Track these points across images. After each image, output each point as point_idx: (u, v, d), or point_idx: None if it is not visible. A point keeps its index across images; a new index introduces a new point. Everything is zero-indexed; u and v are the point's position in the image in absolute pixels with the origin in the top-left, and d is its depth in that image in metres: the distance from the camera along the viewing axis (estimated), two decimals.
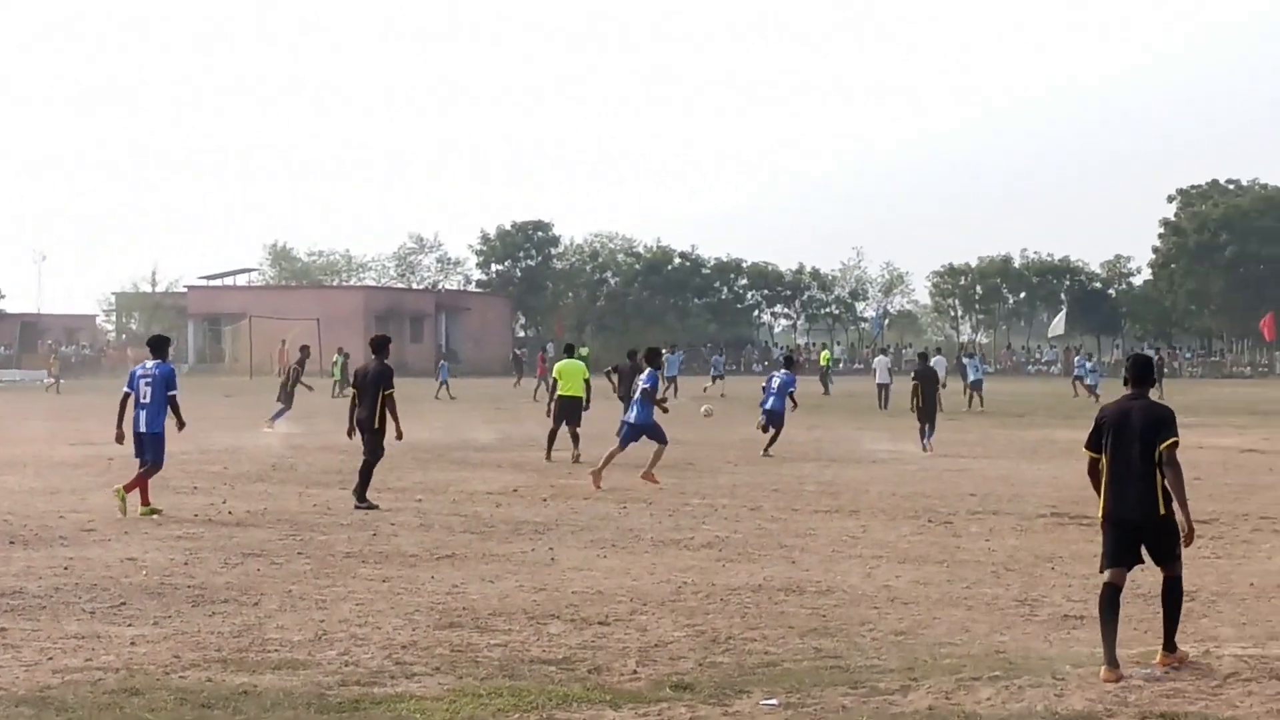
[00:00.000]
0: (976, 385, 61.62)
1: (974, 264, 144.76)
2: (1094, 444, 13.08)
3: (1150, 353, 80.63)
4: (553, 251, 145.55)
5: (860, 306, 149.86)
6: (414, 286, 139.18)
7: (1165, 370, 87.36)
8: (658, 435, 27.66)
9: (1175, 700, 11.49)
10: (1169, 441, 12.64)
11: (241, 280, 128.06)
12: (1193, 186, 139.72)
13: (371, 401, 23.97)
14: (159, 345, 23.23)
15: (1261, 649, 13.47)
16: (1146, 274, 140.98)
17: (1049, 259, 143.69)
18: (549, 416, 34.62)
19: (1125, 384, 13.29)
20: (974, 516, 23.48)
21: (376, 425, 24.03)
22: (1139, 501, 12.63)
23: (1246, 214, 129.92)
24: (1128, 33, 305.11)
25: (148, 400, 22.40)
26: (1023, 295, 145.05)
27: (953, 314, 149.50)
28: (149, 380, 22.47)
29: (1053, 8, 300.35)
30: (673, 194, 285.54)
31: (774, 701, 11.40)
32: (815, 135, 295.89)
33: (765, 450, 34.87)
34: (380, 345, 24.90)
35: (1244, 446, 39.13)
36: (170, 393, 22.49)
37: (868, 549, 19.85)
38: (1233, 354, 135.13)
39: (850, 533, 21.51)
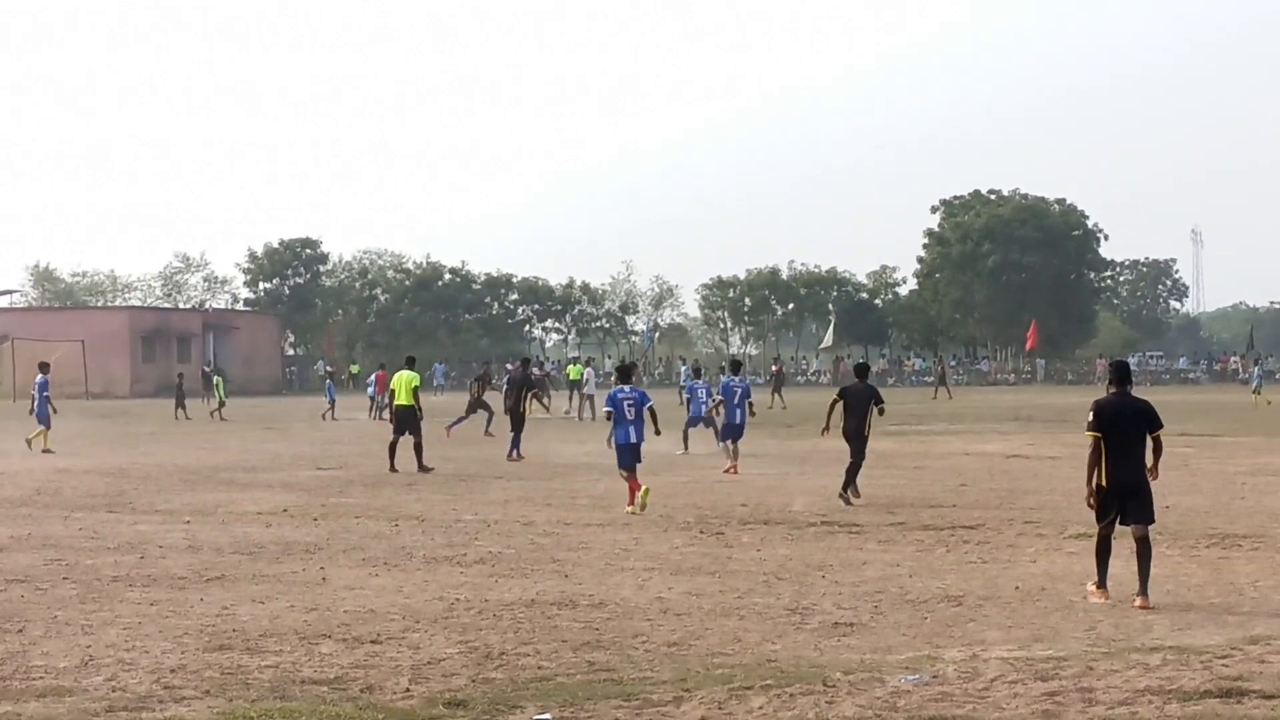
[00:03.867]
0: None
1: (743, 276, 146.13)
2: (1095, 428, 16.93)
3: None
4: (321, 269, 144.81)
5: (631, 320, 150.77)
6: (181, 306, 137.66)
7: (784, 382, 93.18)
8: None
9: (943, 704, 11.62)
10: (1160, 430, 17.11)
11: (3, 302, 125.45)
12: (955, 197, 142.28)
13: (863, 413, 27.84)
14: (625, 373, 28.34)
15: (1027, 651, 13.70)
16: (912, 284, 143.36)
17: (816, 270, 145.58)
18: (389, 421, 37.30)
19: (1109, 384, 17.38)
20: (745, 526, 23.65)
21: (865, 433, 27.91)
22: (1134, 471, 16.83)
23: (1008, 223, 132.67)
24: (892, 41, 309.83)
25: (633, 417, 26.51)
26: (791, 307, 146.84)
27: (722, 326, 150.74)
28: (631, 402, 26.60)
29: (821, 19, 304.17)
30: (442, 206, 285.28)
31: (547, 716, 11.39)
32: (581, 142, 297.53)
33: None
34: (863, 370, 29.68)
35: (1009, 452, 39.89)
36: (647, 405, 26.85)
37: (640, 561, 19.92)
38: (996, 361, 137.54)
39: (623, 545, 21.57)
